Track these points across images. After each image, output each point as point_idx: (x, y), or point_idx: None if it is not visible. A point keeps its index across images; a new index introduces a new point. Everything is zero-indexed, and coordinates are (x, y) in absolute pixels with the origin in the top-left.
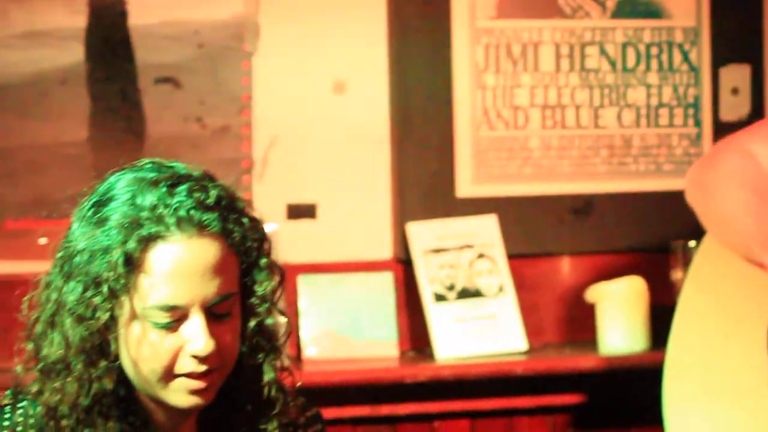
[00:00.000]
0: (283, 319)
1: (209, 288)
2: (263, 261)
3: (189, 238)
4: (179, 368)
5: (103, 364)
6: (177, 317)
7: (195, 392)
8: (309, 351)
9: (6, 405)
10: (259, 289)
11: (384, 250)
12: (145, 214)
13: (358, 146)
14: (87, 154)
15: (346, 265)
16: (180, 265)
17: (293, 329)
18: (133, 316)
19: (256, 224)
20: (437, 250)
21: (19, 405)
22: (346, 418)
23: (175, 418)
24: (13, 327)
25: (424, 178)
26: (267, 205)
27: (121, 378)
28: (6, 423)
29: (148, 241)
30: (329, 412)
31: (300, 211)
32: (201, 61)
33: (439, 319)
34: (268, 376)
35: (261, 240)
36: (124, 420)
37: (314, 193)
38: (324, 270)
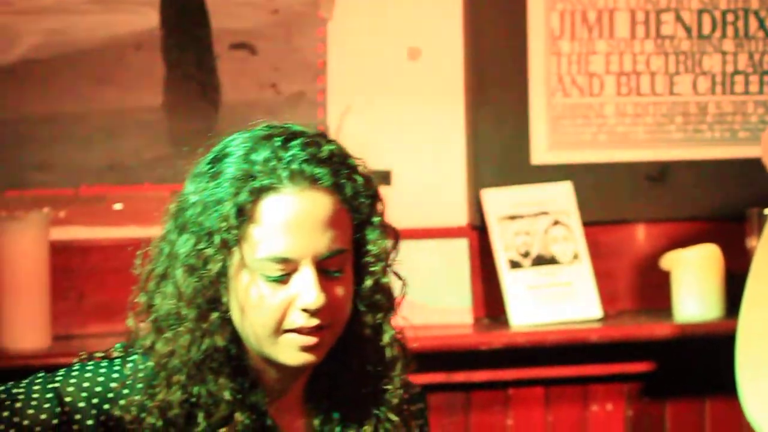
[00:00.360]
0: (397, 281)
1: (321, 241)
2: (376, 219)
3: (301, 191)
4: (289, 323)
5: (214, 316)
6: (288, 270)
7: (305, 349)
8: None
9: (116, 358)
10: (373, 248)
11: (459, 216)
12: (258, 167)
13: (432, 113)
14: (162, 120)
15: (421, 232)
16: (292, 217)
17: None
18: (244, 269)
19: (368, 182)
20: (512, 217)
21: (129, 358)
22: (421, 384)
23: (285, 379)
24: (90, 293)
25: (498, 144)
26: None
27: (233, 336)
28: (115, 375)
29: (260, 192)
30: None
31: (375, 178)
32: (276, 28)
33: (514, 286)
34: (388, 335)
35: (374, 198)
36: (234, 379)
37: (389, 159)
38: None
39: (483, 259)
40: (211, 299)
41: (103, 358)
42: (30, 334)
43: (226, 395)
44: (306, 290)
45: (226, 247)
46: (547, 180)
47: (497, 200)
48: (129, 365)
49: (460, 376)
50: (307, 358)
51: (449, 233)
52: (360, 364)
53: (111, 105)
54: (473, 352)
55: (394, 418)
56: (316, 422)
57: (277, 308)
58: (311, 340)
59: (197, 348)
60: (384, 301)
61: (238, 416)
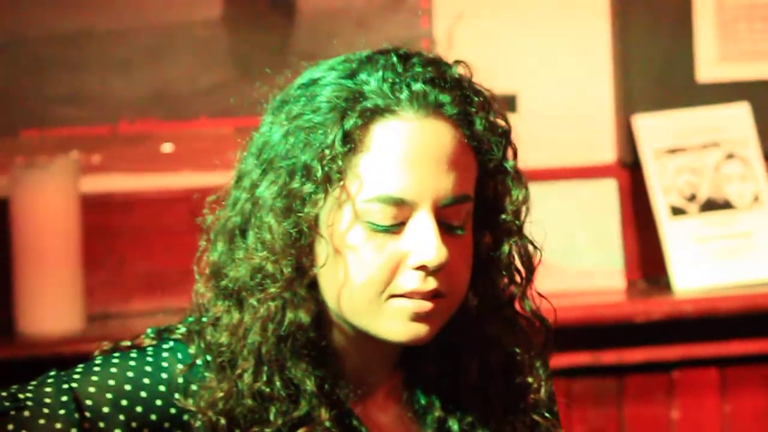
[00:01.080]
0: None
1: (443, 182)
2: (510, 165)
3: (423, 117)
4: (398, 286)
5: (310, 276)
6: (401, 218)
7: (416, 319)
8: None
9: (148, 347)
10: (508, 203)
11: (604, 151)
12: (369, 86)
13: (569, 21)
14: (220, 36)
15: (555, 172)
16: (411, 149)
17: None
18: (345, 215)
19: (501, 119)
20: (674, 150)
21: (165, 346)
22: (560, 368)
23: (375, 366)
24: (134, 259)
25: (654, 58)
26: None
27: (317, 309)
28: (148, 369)
29: (372, 115)
30: None
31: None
32: None
33: (678, 240)
34: (528, 309)
35: (506, 139)
36: (316, 367)
37: (513, 81)
38: (529, 177)
39: (637, 205)
40: (307, 253)
41: (131, 347)
42: (58, 313)
43: (308, 386)
44: (424, 243)
45: (329, 182)
46: (718, 101)
47: (654, 129)
48: (165, 355)
49: (609, 357)
50: (418, 331)
51: (592, 173)
52: (486, 353)
53: (157, 20)
54: (626, 325)
55: (539, 419)
56: (420, 400)
57: (385, 266)
58: (425, 305)
59: (279, 323)
60: (521, 270)
61: (323, 413)
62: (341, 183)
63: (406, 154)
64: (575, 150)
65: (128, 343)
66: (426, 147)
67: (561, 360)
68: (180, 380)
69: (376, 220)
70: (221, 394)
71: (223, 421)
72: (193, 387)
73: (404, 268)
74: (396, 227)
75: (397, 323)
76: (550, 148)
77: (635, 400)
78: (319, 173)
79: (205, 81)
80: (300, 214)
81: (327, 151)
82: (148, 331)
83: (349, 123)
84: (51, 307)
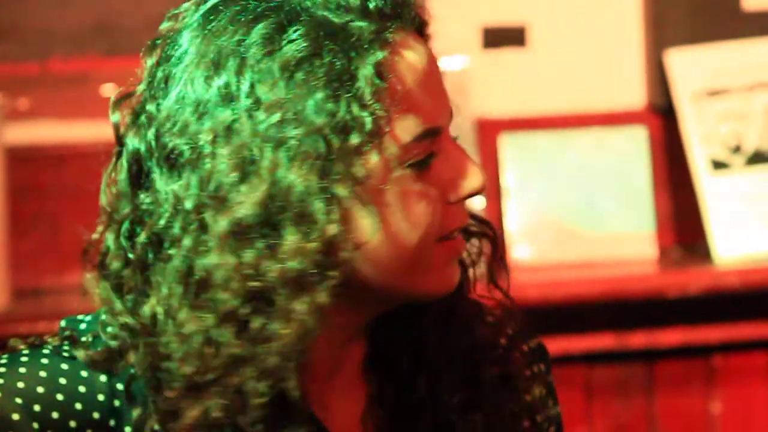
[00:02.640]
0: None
1: (448, 102)
2: None
3: (420, 39)
4: (447, 226)
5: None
6: (429, 150)
7: (454, 264)
8: (519, 251)
9: (66, 341)
10: None
11: (632, 93)
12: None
13: None
14: None
15: (574, 119)
16: (430, 71)
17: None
18: (385, 167)
19: None
20: (715, 92)
21: (84, 340)
22: (579, 353)
23: (342, 349)
24: (70, 224)
25: None
26: (455, 30)
27: None
28: (65, 367)
29: (393, 47)
30: (554, 344)
31: (502, 37)
32: None
33: (719, 199)
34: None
35: None
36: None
37: (523, 9)
38: (539, 126)
39: (671, 158)
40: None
41: (42, 344)
42: None
43: (260, 389)
44: (468, 169)
45: (375, 133)
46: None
47: (691, 67)
48: (88, 351)
49: (638, 339)
50: (455, 278)
51: (618, 119)
52: (447, 312)
53: None
54: (658, 301)
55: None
56: (390, 391)
57: (437, 207)
58: (462, 247)
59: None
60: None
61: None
62: (384, 128)
63: (426, 76)
64: (597, 93)
65: (40, 338)
66: (433, 63)
67: (580, 343)
68: (103, 378)
69: (411, 157)
70: (162, 407)
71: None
72: (119, 386)
73: (446, 204)
74: (430, 160)
75: (447, 269)
76: (567, 90)
77: (668, 391)
78: (369, 122)
79: (151, 11)
80: (344, 184)
81: (367, 87)
82: (62, 323)
83: (378, 57)
84: None
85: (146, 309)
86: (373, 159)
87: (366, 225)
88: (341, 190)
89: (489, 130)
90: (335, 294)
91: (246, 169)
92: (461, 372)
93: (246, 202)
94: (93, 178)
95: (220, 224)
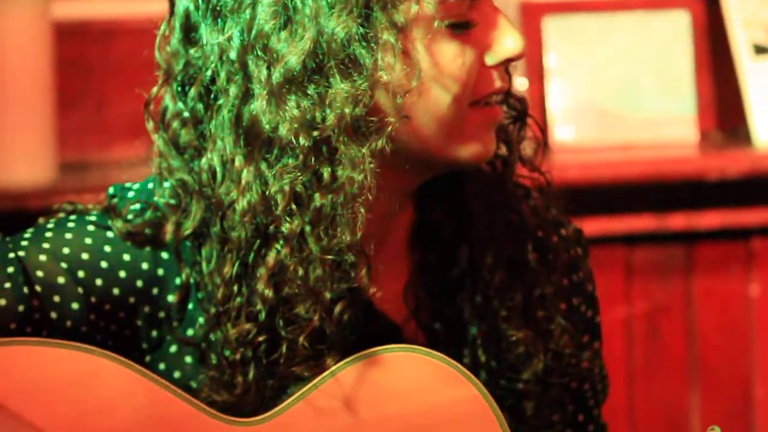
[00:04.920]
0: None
1: None
2: None
3: None
4: (481, 90)
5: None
6: (472, 17)
7: (490, 131)
8: (561, 132)
9: (110, 208)
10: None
11: None
12: None
13: None
14: None
15: (617, 2)
16: None
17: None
18: (418, 18)
19: None
20: None
21: (132, 207)
22: (618, 234)
23: (388, 219)
24: (116, 99)
25: None
26: None
27: None
28: (110, 235)
29: None
30: (594, 225)
31: None
32: None
33: (761, 83)
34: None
35: None
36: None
37: None
38: (583, 9)
39: (713, 43)
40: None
41: (88, 211)
42: (26, 161)
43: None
44: (506, 33)
45: None
46: None
47: None
48: (129, 219)
49: (677, 221)
50: (492, 145)
51: (661, 3)
52: (487, 191)
53: None
54: (698, 184)
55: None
56: (432, 263)
57: (472, 69)
58: (498, 114)
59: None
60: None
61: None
62: None
63: None
64: None
65: (86, 206)
66: None
67: (620, 224)
68: (147, 248)
69: (456, 19)
70: (206, 274)
71: (191, 305)
72: (164, 255)
73: (483, 66)
74: (467, 25)
75: (483, 136)
76: None
77: (707, 273)
78: None
79: None
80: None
81: None
82: (110, 190)
83: None
84: (18, 155)
85: (203, 162)
86: (413, 9)
87: (407, 75)
88: (384, 35)
89: (533, 13)
90: (392, 140)
91: (286, 16)
92: (503, 249)
93: (292, 51)
94: (140, 54)
95: (265, 73)
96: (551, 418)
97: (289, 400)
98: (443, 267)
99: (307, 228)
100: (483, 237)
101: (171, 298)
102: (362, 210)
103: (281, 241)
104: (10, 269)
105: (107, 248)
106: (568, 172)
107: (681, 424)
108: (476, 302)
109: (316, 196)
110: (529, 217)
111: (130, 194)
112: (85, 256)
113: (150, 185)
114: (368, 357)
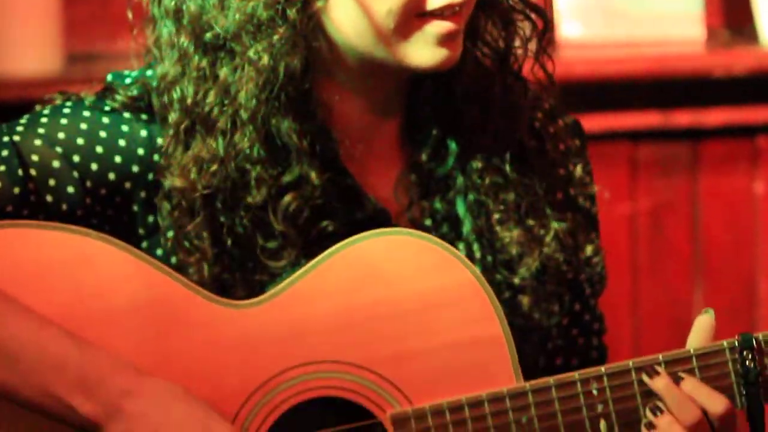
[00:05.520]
0: None
1: None
2: None
3: None
4: (432, 2)
5: (307, 25)
6: None
7: (445, 42)
8: (568, 28)
9: (102, 95)
10: None
11: None
12: None
13: None
14: None
15: None
16: None
17: None
18: None
19: None
20: None
21: (120, 93)
22: (624, 130)
23: (373, 121)
24: None
25: None
26: None
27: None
28: (105, 120)
29: None
30: (600, 121)
31: None
32: None
33: None
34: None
35: None
36: (302, 121)
37: None
38: None
39: None
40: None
41: (84, 98)
42: (32, 51)
43: (295, 141)
44: None
45: None
46: None
47: None
48: (125, 94)
49: (683, 118)
50: (447, 54)
51: None
52: (485, 83)
53: None
54: (704, 81)
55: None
56: (423, 156)
57: None
58: (453, 26)
59: (273, 75)
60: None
61: (313, 175)
62: None
63: None
64: None
65: (80, 94)
66: None
67: (626, 120)
68: (143, 133)
69: None
70: (193, 158)
71: (200, 186)
72: (159, 141)
73: None
74: None
75: (425, 48)
76: None
77: (712, 170)
78: None
79: None
80: None
81: None
82: (109, 77)
83: None
84: (25, 45)
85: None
86: None
87: None
88: None
89: None
90: (303, 59)
91: None
92: (496, 146)
93: None
94: None
95: None
96: (549, 311)
97: (283, 283)
98: (433, 165)
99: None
100: (473, 135)
101: (168, 182)
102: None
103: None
104: (5, 153)
105: (103, 133)
106: (575, 68)
107: (685, 320)
108: (468, 200)
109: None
110: (527, 110)
111: (128, 80)
112: (80, 141)
113: (149, 72)
114: (360, 241)
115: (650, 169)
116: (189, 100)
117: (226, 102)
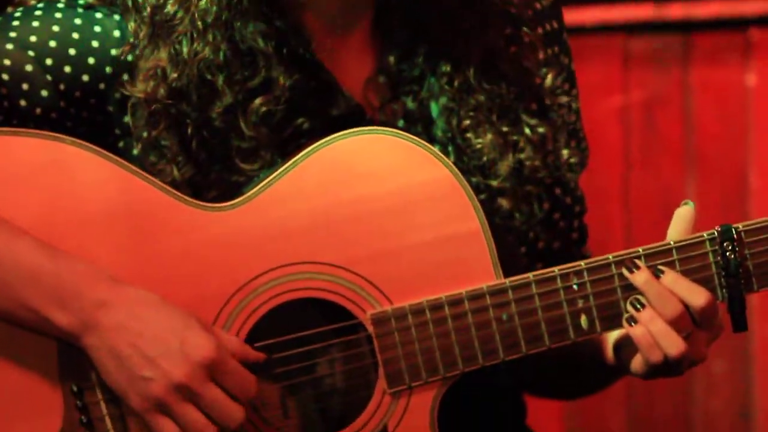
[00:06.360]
0: None
1: None
2: None
3: None
4: None
5: None
6: None
7: None
8: None
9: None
10: None
11: None
12: None
13: None
14: None
15: None
16: None
17: None
18: None
19: None
20: None
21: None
22: (616, 23)
23: (344, 15)
24: None
25: None
26: None
27: None
28: (78, 22)
29: None
30: (592, 13)
31: None
32: None
33: None
34: None
35: None
36: (269, 22)
37: None
38: None
39: None
40: None
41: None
42: None
43: (261, 45)
44: None
45: None
46: None
47: None
48: (97, 8)
49: (676, 10)
50: None
51: None
52: None
53: None
54: None
55: (520, 32)
56: (391, 58)
57: None
58: None
59: None
60: None
61: (281, 78)
62: None
63: None
64: None
65: None
66: None
67: (617, 12)
68: (116, 33)
69: None
70: (159, 63)
71: (162, 90)
72: (132, 48)
73: None
74: None
75: None
76: None
77: (704, 62)
78: None
79: None
80: None
81: None
82: None
83: None
84: None
85: None
86: None
87: None
88: None
89: None
90: None
91: None
92: (468, 43)
93: None
94: None
95: None
96: (529, 212)
97: (260, 185)
98: (403, 66)
99: None
100: (441, 37)
101: (139, 87)
102: None
103: None
104: None
105: (75, 35)
106: None
107: None
108: (440, 103)
109: None
110: (498, 15)
111: None
112: (52, 43)
113: None
114: (336, 141)
115: (642, 61)
116: (149, 8)
117: (186, 7)
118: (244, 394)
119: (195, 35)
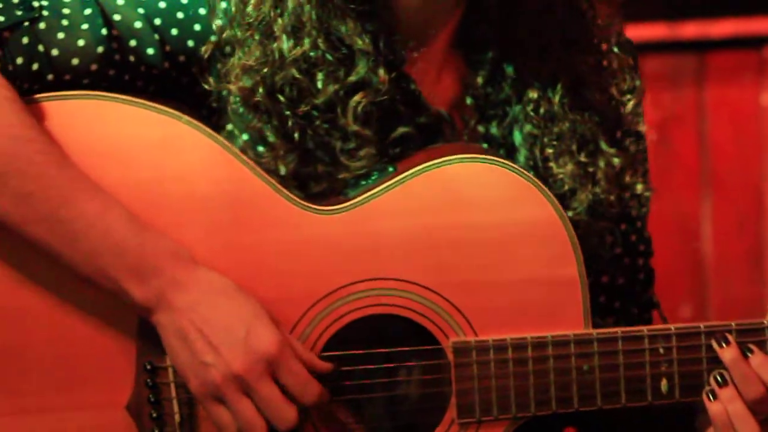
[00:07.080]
0: None
1: None
2: None
3: None
4: None
5: None
6: None
7: None
8: None
9: None
10: None
11: None
12: None
13: None
14: None
15: None
16: None
17: None
18: None
19: None
20: None
21: None
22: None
23: (433, 15)
24: None
25: None
26: None
27: None
28: (184, 1)
29: None
30: None
31: None
32: None
33: None
34: None
35: None
36: (366, 23)
37: None
38: None
39: None
40: None
41: None
42: None
43: (360, 44)
44: None
45: None
46: None
47: None
48: None
49: (689, 29)
50: None
51: None
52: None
53: None
54: None
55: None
56: (479, 79)
57: None
58: None
59: None
60: None
61: (380, 73)
62: None
63: None
64: None
65: None
66: None
67: (631, 32)
68: (223, 5)
69: None
70: (244, 64)
71: (261, 88)
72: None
73: None
74: None
75: None
76: None
77: (719, 82)
78: None
79: None
80: None
81: None
82: None
83: None
84: None
85: None
86: None
87: None
88: None
89: None
90: None
91: None
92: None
93: None
94: None
95: None
96: (601, 245)
97: (366, 194)
98: (489, 89)
99: None
100: (531, 62)
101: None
102: None
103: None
104: (87, 11)
105: (184, 0)
106: None
107: (693, 231)
108: (524, 131)
109: None
110: (591, 42)
111: None
112: (162, 4)
113: None
114: (449, 164)
115: (656, 81)
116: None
117: (280, 4)
118: (303, 398)
119: (292, 31)
